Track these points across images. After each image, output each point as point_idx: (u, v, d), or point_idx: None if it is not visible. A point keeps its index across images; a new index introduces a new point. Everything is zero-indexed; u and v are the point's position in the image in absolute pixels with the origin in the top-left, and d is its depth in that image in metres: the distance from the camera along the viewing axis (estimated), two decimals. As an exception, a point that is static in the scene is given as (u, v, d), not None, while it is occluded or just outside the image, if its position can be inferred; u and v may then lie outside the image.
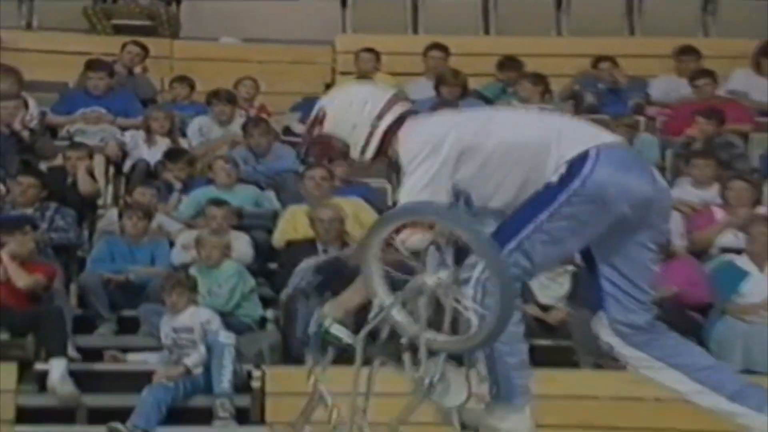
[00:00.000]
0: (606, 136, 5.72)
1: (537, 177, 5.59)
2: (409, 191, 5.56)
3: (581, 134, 5.72)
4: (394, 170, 6.28)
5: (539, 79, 13.58)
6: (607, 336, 5.77)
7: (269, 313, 10.87)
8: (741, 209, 11.44)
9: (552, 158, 5.60)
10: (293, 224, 11.43)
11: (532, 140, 5.65)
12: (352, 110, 5.76)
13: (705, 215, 11.65)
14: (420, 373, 5.63)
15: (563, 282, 10.83)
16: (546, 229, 5.56)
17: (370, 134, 5.72)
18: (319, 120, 5.80)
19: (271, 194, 12.16)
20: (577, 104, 13.67)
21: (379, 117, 5.73)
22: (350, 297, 5.89)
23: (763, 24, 14.58)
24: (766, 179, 12.29)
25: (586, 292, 6.55)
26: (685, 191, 11.92)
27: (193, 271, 10.69)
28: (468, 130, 5.65)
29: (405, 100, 5.86)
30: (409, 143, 5.67)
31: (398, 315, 5.62)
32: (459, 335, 5.56)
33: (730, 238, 11.31)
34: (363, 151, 5.76)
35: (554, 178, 5.55)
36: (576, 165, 5.54)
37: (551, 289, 10.88)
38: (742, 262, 10.84)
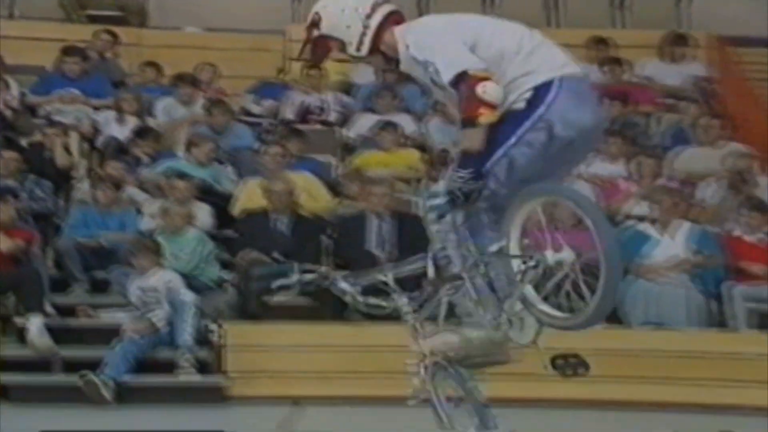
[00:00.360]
0: (570, 67, 5.57)
1: (501, 75, 5.49)
2: (453, 53, 5.47)
3: (550, 58, 5.61)
4: (388, 64, 5.85)
5: None
6: None
7: (227, 275, 10.83)
8: (644, 180, 11.69)
9: (513, 65, 5.53)
10: (249, 195, 11.47)
11: (511, 46, 5.58)
12: (344, 14, 5.71)
13: (613, 187, 11.78)
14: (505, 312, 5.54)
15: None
16: (507, 153, 5.53)
17: (363, 33, 5.69)
18: (315, 23, 5.74)
19: (230, 169, 12.08)
20: None
21: (368, 17, 5.69)
22: None
23: (670, 16, 14.75)
24: (669, 153, 12.40)
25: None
26: (596, 166, 11.85)
27: (158, 237, 10.68)
28: (466, 30, 5.62)
29: (387, 2, 5.74)
30: (426, 36, 5.58)
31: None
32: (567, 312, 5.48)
33: (642, 207, 11.46)
34: (358, 48, 5.72)
35: (521, 104, 5.50)
36: (541, 91, 5.49)
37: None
38: (645, 227, 11.08)
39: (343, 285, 5.83)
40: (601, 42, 13.99)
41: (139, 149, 12.24)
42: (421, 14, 14.10)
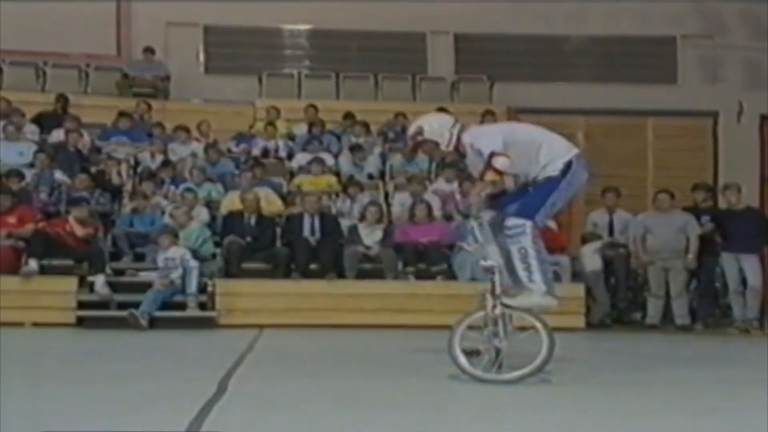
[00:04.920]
0: (574, 148, 5.88)
1: (534, 158, 5.69)
2: (491, 142, 5.60)
3: (564, 144, 5.85)
4: (459, 155, 6.00)
5: (364, 125, 13.63)
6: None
7: (218, 251, 10.70)
8: (471, 194, 11.67)
9: (542, 153, 5.72)
10: (231, 202, 11.36)
11: (535, 139, 5.78)
12: (443, 126, 5.91)
13: (451, 197, 11.64)
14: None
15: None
16: (553, 200, 5.72)
17: (450, 138, 5.88)
18: (420, 132, 5.90)
19: (219, 185, 11.96)
20: (385, 140, 13.51)
21: (452, 128, 5.87)
22: None
23: (485, 96, 14.66)
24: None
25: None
26: (440, 184, 12.07)
27: (175, 227, 10.61)
28: (505, 132, 5.79)
29: (457, 123, 5.94)
30: (480, 136, 5.76)
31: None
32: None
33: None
34: (447, 145, 5.89)
35: (556, 173, 5.70)
36: (567, 165, 5.70)
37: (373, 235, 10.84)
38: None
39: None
40: (444, 111, 13.18)
41: (164, 174, 12.11)
42: (338, 93, 14.91)
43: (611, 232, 10.94)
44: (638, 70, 15.04)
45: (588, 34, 15.21)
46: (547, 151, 5.76)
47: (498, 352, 5.60)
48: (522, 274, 5.64)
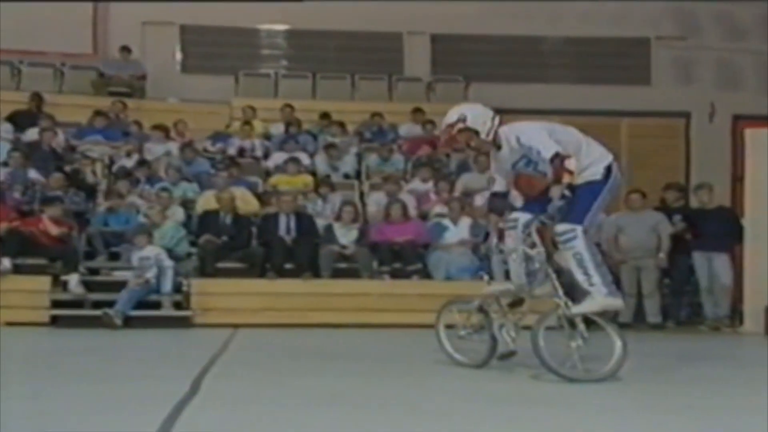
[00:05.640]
0: (609, 152, 5.86)
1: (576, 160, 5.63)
2: (547, 142, 5.59)
3: (600, 148, 5.85)
4: (497, 147, 5.91)
5: (340, 125, 13.64)
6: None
7: (193, 250, 10.67)
8: (443, 193, 11.64)
9: (582, 155, 5.71)
10: (207, 201, 11.33)
11: (575, 140, 5.79)
12: (485, 115, 5.89)
13: (426, 197, 11.78)
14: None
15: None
16: (599, 205, 5.71)
17: (491, 127, 5.85)
18: (462, 119, 5.86)
19: (195, 185, 11.92)
20: (361, 139, 13.55)
21: (493, 119, 5.87)
22: None
23: (460, 96, 14.37)
24: (458, 178, 12.18)
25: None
26: (415, 184, 12.10)
27: (150, 226, 10.57)
28: (548, 131, 5.76)
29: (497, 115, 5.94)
30: (527, 131, 5.73)
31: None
32: None
33: (443, 209, 11.28)
34: (487, 135, 5.84)
35: (598, 176, 5.71)
36: (608, 170, 5.72)
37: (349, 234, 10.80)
38: (444, 221, 10.96)
39: None
40: (419, 111, 13.95)
41: (140, 173, 12.03)
42: (314, 93, 14.83)
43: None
44: (613, 70, 15.12)
45: (564, 35, 15.27)
46: (586, 153, 5.75)
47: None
48: (581, 278, 5.61)
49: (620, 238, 10.54)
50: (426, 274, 10.62)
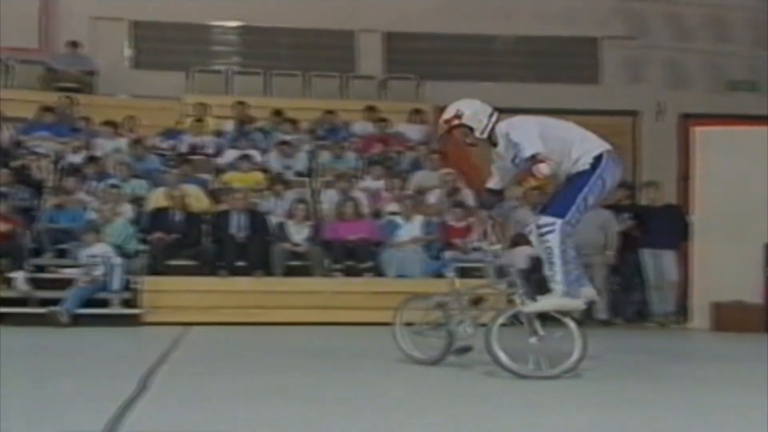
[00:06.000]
0: (605, 143, 5.79)
1: (567, 154, 5.64)
2: (532, 141, 5.49)
3: (595, 140, 5.78)
4: (492, 144, 5.87)
5: (293, 122, 13.52)
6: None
7: (144, 247, 10.56)
8: (396, 191, 11.68)
9: (575, 148, 5.67)
10: (157, 199, 11.26)
11: (568, 135, 5.74)
12: (481, 112, 5.83)
13: (378, 195, 11.78)
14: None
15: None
16: (584, 196, 5.61)
17: (487, 125, 5.78)
18: (459, 116, 5.78)
19: (145, 182, 11.79)
20: (314, 137, 13.41)
21: (490, 117, 5.81)
22: None
23: (413, 94, 14.73)
24: (411, 175, 12.26)
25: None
26: (368, 182, 12.09)
27: (99, 223, 10.48)
28: (541, 126, 5.68)
29: (495, 111, 5.87)
30: (518, 127, 5.65)
31: None
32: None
33: (395, 207, 11.30)
34: (482, 132, 5.79)
35: (587, 167, 5.62)
36: (597, 159, 5.64)
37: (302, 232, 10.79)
38: (397, 219, 11.02)
39: None
40: (372, 109, 13.93)
41: (89, 169, 11.88)
42: (267, 90, 14.79)
43: (535, 229, 11.02)
44: (563, 69, 15.26)
45: (515, 34, 15.37)
46: (579, 146, 5.70)
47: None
48: (548, 273, 5.60)
49: (570, 235, 10.63)
50: (378, 271, 10.64)
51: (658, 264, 10.37)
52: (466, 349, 5.93)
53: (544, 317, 5.72)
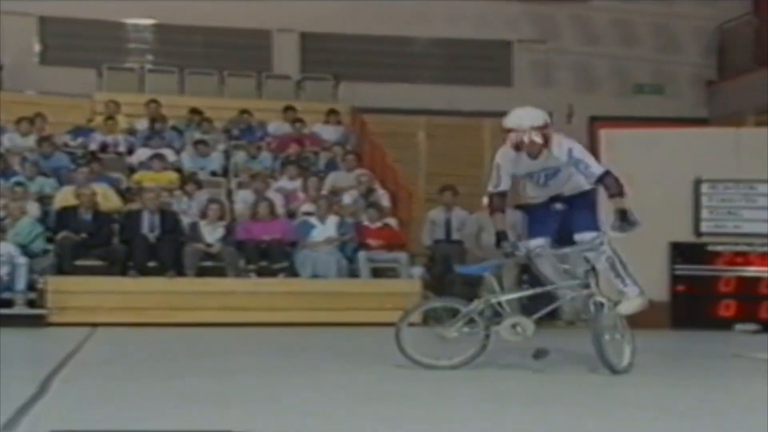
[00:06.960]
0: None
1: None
2: (594, 162, 5.80)
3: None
4: (549, 150, 5.89)
5: (209, 121, 13.35)
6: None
7: (50, 246, 10.26)
8: (311, 191, 11.58)
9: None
10: (65, 197, 11.01)
11: None
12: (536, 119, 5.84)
13: (294, 195, 11.67)
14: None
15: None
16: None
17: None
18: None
19: (53, 180, 11.51)
20: (229, 136, 13.35)
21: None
22: None
23: (329, 95, 14.75)
24: (326, 176, 12.18)
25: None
26: (283, 182, 11.97)
27: (3, 222, 10.15)
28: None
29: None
30: (575, 144, 5.87)
31: None
32: None
33: (311, 207, 11.16)
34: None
35: (587, 187, 5.92)
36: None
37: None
38: (312, 219, 10.88)
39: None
40: (290, 109, 13.84)
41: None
42: (182, 88, 14.56)
43: (449, 230, 11.12)
44: (477, 72, 15.46)
45: (430, 36, 15.50)
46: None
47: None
48: (616, 281, 5.83)
49: (482, 236, 10.68)
50: (293, 272, 10.57)
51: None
52: (544, 352, 6.09)
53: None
